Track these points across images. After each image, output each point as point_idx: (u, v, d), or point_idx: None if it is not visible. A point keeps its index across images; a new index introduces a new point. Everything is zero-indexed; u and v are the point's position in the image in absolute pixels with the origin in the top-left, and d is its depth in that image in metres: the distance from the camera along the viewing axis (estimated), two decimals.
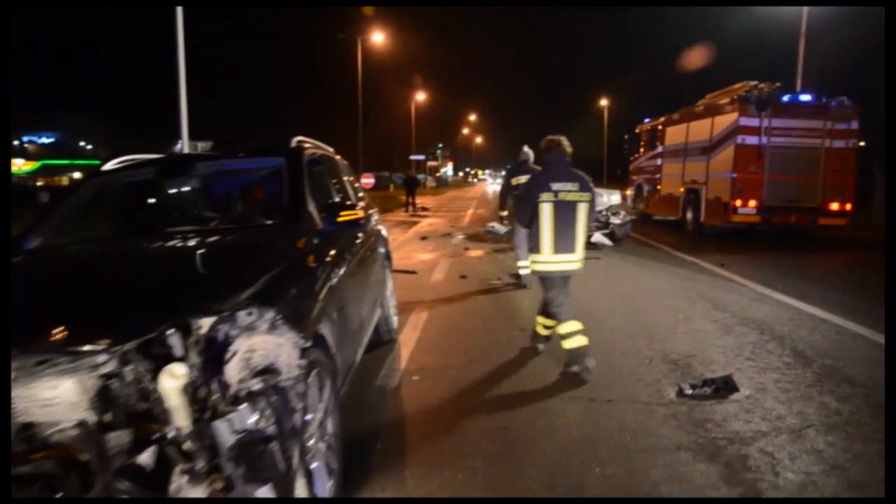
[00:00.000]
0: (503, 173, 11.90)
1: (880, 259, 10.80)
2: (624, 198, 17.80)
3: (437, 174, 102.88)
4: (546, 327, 5.20)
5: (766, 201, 13.08)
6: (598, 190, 14.49)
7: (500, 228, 16.32)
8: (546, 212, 4.67)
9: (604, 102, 67.17)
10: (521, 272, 8.13)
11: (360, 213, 3.98)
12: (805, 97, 13.35)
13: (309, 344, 2.68)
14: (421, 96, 59.93)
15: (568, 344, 4.70)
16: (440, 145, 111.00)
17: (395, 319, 6.06)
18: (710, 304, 7.16)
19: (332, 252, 3.62)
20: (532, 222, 4.76)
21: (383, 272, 5.71)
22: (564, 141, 4.97)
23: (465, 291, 8.24)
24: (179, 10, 13.10)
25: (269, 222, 3.73)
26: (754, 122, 13.00)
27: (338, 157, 5.72)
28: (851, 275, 10.26)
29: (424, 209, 28.74)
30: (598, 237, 12.97)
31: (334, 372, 3.18)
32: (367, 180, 27.93)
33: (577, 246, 4.77)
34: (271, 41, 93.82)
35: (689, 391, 4.32)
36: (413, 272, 9.92)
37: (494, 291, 8.19)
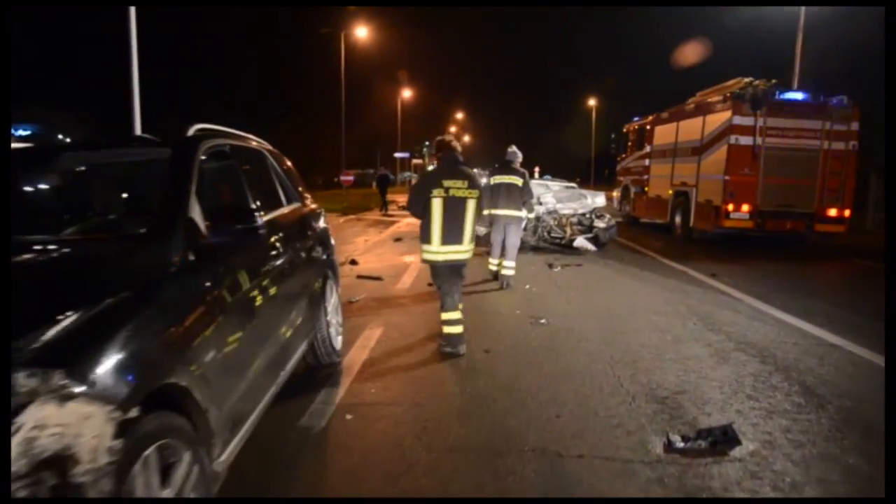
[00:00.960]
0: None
1: (882, 270, 10.06)
2: (610, 199, 17.01)
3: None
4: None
5: (761, 205, 12.32)
6: (583, 192, 13.72)
7: (479, 230, 15.50)
8: (436, 206, 5.06)
9: (592, 102, 66.59)
10: (503, 272, 8.38)
11: (281, 216, 3.10)
12: (801, 96, 12.58)
13: (136, 413, 1.85)
14: (407, 93, 58.98)
15: (447, 329, 5.24)
16: (427, 143, 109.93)
17: (339, 340, 5.19)
18: (702, 323, 6.35)
19: (220, 271, 2.76)
20: (424, 215, 5.13)
21: (323, 286, 4.84)
22: (455, 142, 5.45)
23: (430, 301, 7.38)
24: (132, 11, 12.21)
25: (139, 231, 2.84)
26: (748, 121, 12.23)
27: (270, 150, 4.84)
28: (856, 289, 9.49)
29: (404, 208, 27.86)
30: (580, 242, 12.16)
31: (204, 439, 2.34)
32: (347, 178, 27.00)
33: (465, 238, 5.16)
34: (254, 37, 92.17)
35: (679, 444, 3.48)
36: (378, 278, 9.07)
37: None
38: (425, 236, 5.15)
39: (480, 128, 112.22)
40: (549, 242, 12.50)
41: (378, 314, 6.74)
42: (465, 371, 4.85)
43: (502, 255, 8.42)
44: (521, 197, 8.35)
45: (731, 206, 12.29)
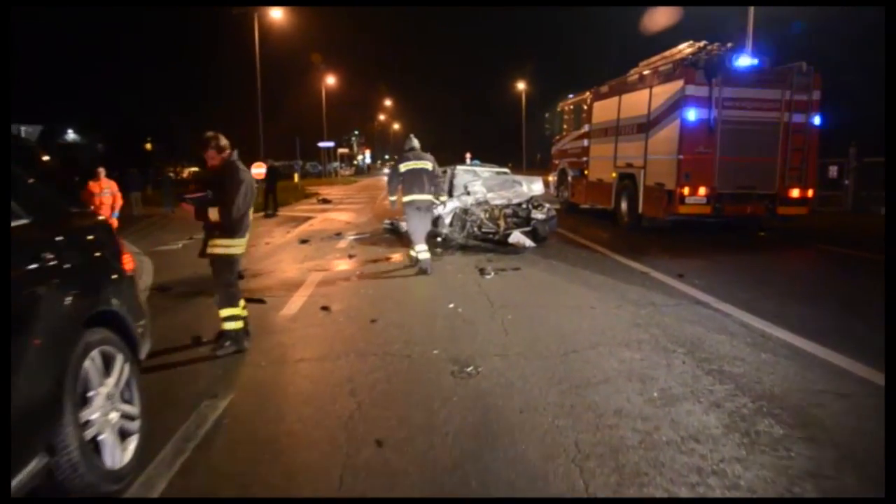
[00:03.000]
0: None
1: (871, 260, 8.62)
2: (546, 184, 15.21)
3: (355, 163, 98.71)
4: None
5: (718, 188, 10.74)
6: (517, 178, 11.82)
7: (401, 225, 13.42)
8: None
9: (521, 86, 65.27)
10: (420, 256, 8.29)
11: None
12: (758, 61, 11.01)
13: None
14: (331, 80, 55.92)
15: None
16: (356, 132, 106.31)
17: (122, 452, 3.02)
18: (693, 360, 4.49)
19: None
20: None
21: (81, 354, 2.70)
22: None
23: (316, 341, 5.29)
24: None
25: None
26: (703, 91, 10.59)
27: None
28: (845, 285, 7.92)
29: (325, 201, 25.42)
30: (516, 237, 10.26)
31: None
32: (258, 170, 24.20)
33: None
34: (163, 22, 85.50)
35: None
36: (261, 301, 6.88)
37: (362, 340, 5.26)
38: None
39: (412, 116, 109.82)
40: (480, 239, 10.54)
41: (233, 372, 4.58)
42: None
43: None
44: (432, 181, 8.47)
45: (686, 190, 10.66)
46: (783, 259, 9.70)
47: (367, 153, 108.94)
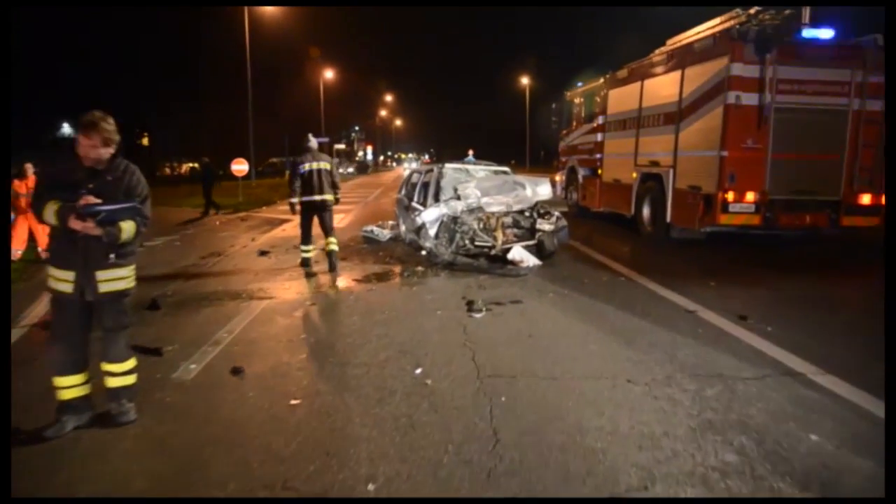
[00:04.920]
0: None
1: None
2: (553, 184, 13.05)
3: (357, 159, 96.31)
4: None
5: (771, 192, 8.60)
6: (520, 179, 9.69)
7: (383, 233, 11.31)
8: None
9: (525, 81, 62.97)
10: (303, 255, 8.64)
11: None
12: (830, 33, 8.82)
13: None
14: (329, 74, 53.64)
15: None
16: (356, 128, 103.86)
17: None
18: None
19: None
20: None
21: None
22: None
23: (186, 448, 3.20)
24: None
25: None
26: (753, 70, 8.43)
27: None
28: None
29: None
30: (517, 253, 8.19)
31: None
32: (239, 167, 22.14)
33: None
34: (154, 24, 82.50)
35: None
36: (156, 352, 4.85)
37: (262, 450, 3.15)
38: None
39: (414, 112, 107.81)
40: (472, 255, 8.41)
41: None
42: None
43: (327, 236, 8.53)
44: (332, 180, 8.46)
45: (730, 195, 8.51)
46: (873, 289, 7.57)
47: (369, 149, 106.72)
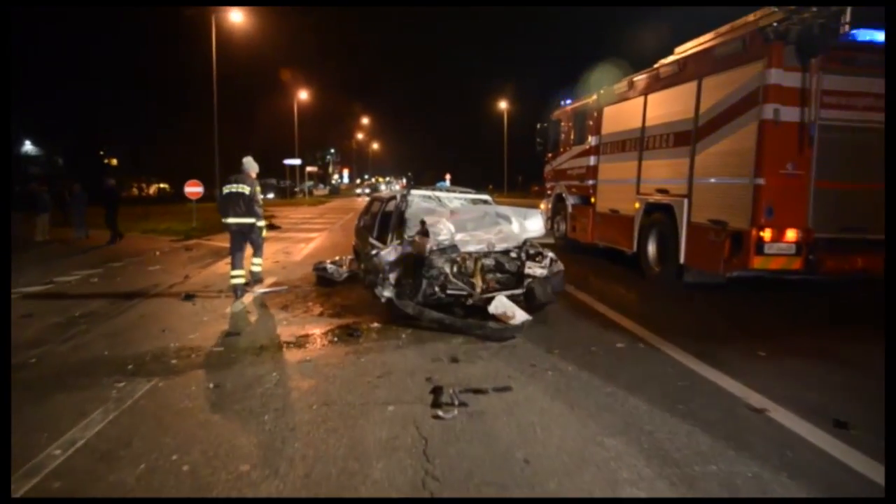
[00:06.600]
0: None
1: None
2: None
3: (332, 182, 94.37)
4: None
5: (815, 230, 6.93)
6: (504, 210, 7.83)
7: (339, 272, 9.39)
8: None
9: (503, 105, 61.77)
10: (232, 282, 8.31)
11: None
12: (881, 35, 7.26)
13: None
14: (304, 95, 51.90)
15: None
16: (332, 150, 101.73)
17: None
18: None
19: None
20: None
21: None
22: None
23: None
24: None
25: None
26: (795, 79, 6.82)
27: None
28: None
29: (273, 227, 21.15)
30: (501, 304, 6.35)
31: None
32: (193, 189, 20.14)
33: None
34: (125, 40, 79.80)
35: None
36: None
37: None
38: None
39: (391, 135, 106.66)
40: (443, 307, 6.52)
41: None
42: None
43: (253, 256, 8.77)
44: (251, 204, 8.34)
45: (767, 233, 6.81)
46: None
47: (346, 172, 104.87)
